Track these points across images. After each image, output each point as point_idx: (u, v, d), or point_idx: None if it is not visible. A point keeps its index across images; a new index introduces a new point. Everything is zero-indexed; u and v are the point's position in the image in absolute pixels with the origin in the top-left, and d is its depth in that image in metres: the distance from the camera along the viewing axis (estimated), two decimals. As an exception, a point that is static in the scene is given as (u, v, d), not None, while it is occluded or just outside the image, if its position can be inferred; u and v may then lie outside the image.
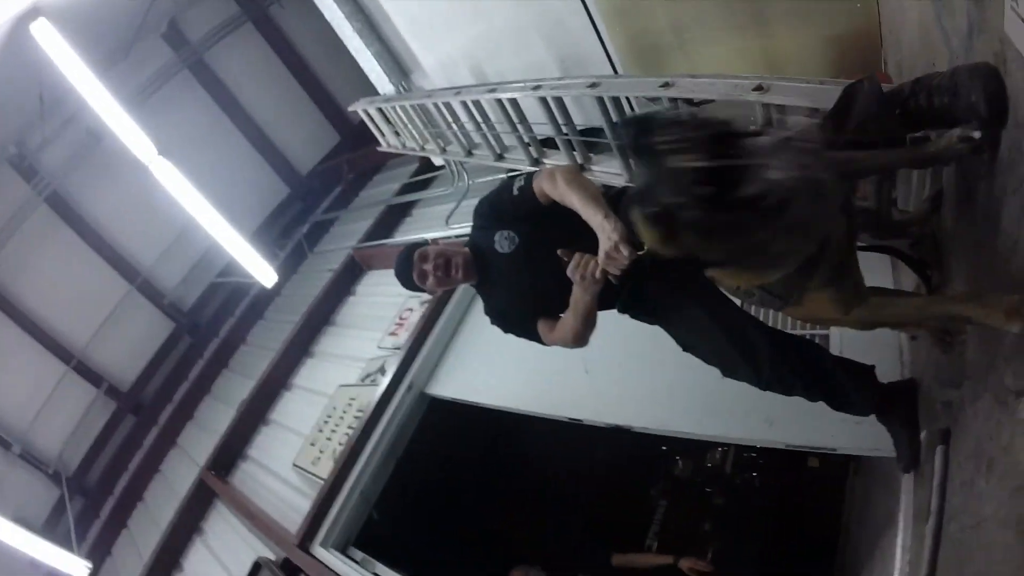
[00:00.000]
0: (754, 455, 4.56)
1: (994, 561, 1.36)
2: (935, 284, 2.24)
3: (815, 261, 1.72)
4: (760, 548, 4.20)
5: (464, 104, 4.15)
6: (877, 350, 2.64)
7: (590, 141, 3.60)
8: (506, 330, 2.54)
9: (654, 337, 2.41)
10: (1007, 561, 1.30)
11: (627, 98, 3.21)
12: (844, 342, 2.93)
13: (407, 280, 2.52)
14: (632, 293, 2.23)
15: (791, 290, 1.85)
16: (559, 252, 1.98)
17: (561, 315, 2.28)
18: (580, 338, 2.25)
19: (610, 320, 2.37)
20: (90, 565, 6.26)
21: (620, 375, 3.48)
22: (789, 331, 2.71)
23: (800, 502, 4.31)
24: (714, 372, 2.36)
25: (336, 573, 4.06)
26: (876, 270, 2.99)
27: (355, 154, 8.64)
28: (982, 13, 1.51)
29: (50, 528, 7.26)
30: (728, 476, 4.64)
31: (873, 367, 2.25)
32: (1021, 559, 1.25)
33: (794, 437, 2.74)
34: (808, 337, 2.99)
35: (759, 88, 2.39)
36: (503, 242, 2.36)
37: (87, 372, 7.89)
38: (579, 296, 2.10)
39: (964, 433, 1.75)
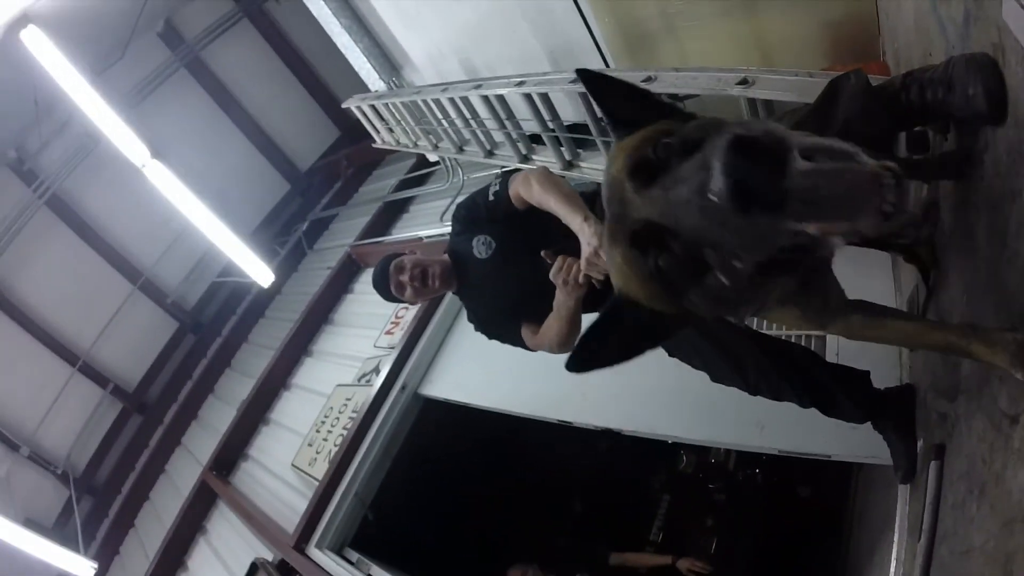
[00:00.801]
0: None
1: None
2: (932, 284, 2.14)
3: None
4: (763, 544, 4.16)
5: (452, 101, 4.07)
6: (874, 351, 2.55)
7: (577, 137, 3.51)
8: (490, 336, 2.49)
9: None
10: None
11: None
12: (840, 343, 2.83)
13: (385, 292, 2.49)
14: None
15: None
16: (543, 253, 1.94)
17: (544, 319, 2.20)
18: (565, 343, 2.18)
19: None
20: (95, 565, 6.35)
21: (610, 378, 3.30)
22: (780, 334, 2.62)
23: (804, 498, 4.25)
24: (704, 376, 2.29)
25: (330, 574, 4.04)
26: (876, 270, 2.90)
27: (353, 149, 8.57)
28: (979, 0, 1.39)
29: (60, 528, 7.32)
30: (731, 472, 4.58)
31: (867, 373, 2.16)
32: (1007, 599, 1.16)
33: (786, 443, 2.65)
34: (800, 340, 2.89)
35: (743, 82, 2.29)
36: (480, 247, 2.32)
37: (93, 373, 7.89)
38: (562, 301, 2.03)
39: (958, 451, 1.66)
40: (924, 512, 1.78)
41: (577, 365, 1.36)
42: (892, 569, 2.12)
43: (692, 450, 4.78)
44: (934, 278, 2.16)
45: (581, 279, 1.87)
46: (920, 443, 2.06)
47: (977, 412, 1.53)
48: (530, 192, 2.07)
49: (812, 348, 2.85)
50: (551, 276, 1.93)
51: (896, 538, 2.16)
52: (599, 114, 3.20)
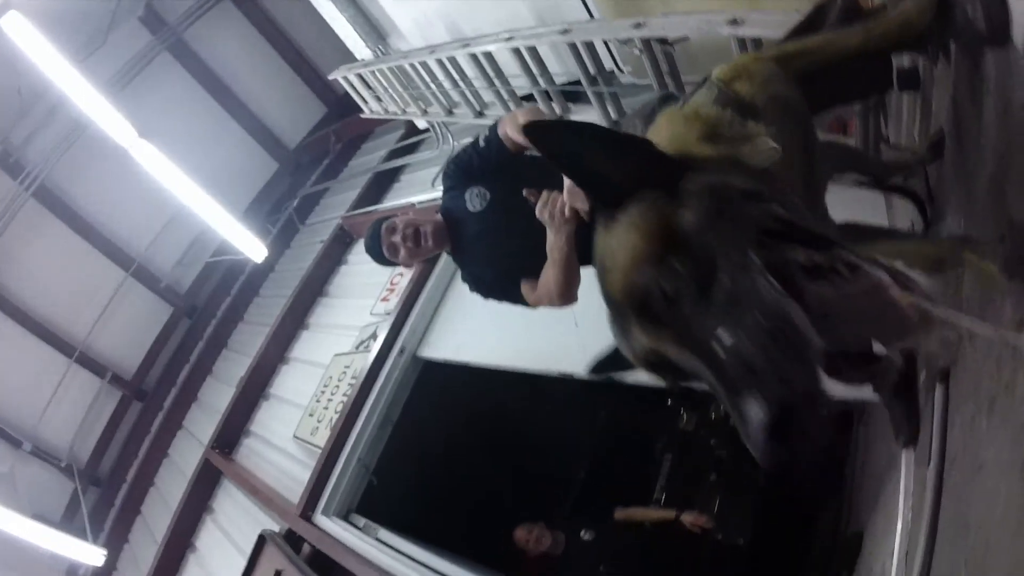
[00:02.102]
0: (759, 406, 4.49)
1: (997, 510, 1.26)
2: (929, 218, 2.13)
3: None
4: (766, 499, 4.17)
5: (440, 62, 4.03)
6: None
7: (569, 91, 3.47)
8: (486, 295, 2.40)
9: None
10: (1010, 510, 1.20)
11: (605, 42, 3.07)
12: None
13: (378, 255, 2.41)
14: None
15: None
16: (525, 192, 1.87)
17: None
18: (564, 293, 2.09)
19: (597, 270, 2.27)
20: (104, 552, 6.45)
21: (608, 329, 3.35)
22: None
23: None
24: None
25: (338, 540, 4.05)
26: (869, 210, 2.88)
27: (342, 124, 8.51)
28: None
29: (68, 521, 7.30)
30: (732, 428, 4.58)
31: None
32: (1026, 505, 1.15)
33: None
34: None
35: (734, 22, 2.26)
36: (474, 200, 2.23)
37: (90, 363, 7.82)
38: (553, 241, 1.95)
39: (963, 372, 1.65)
40: (932, 438, 1.77)
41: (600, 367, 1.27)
42: (901, 503, 2.11)
43: (693, 408, 4.79)
44: (930, 211, 2.14)
45: (567, 212, 1.81)
46: (923, 375, 2.05)
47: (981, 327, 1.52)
48: (517, 130, 2.01)
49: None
50: (537, 213, 1.86)
51: (903, 472, 2.15)
52: (589, 66, 3.18)
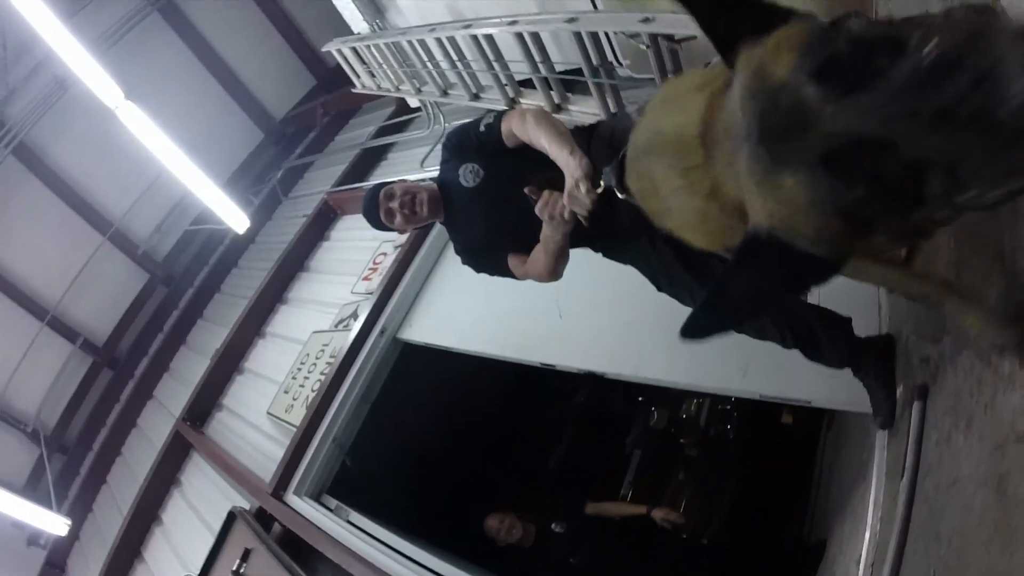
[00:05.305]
0: (728, 407, 4.55)
1: (971, 522, 1.29)
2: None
3: None
4: (732, 499, 4.22)
5: (439, 41, 4.00)
6: (855, 300, 2.57)
7: (568, 80, 3.47)
8: (477, 269, 2.47)
9: (629, 279, 2.34)
10: (984, 523, 1.23)
11: (605, 34, 3.06)
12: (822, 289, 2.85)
13: (375, 220, 2.45)
14: (600, 231, 2.13)
15: None
16: (526, 190, 1.95)
17: (530, 249, 2.21)
18: (552, 273, 2.20)
19: (584, 263, 2.30)
20: (69, 521, 6.39)
21: (594, 320, 3.39)
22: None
23: (773, 455, 4.31)
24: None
25: (309, 520, 4.02)
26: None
27: (330, 97, 8.41)
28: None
29: (32, 487, 7.22)
30: (703, 428, 4.63)
31: (849, 319, 2.17)
32: (999, 520, 1.18)
33: (768, 388, 2.66)
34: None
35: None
36: (468, 176, 2.29)
37: (62, 327, 7.74)
38: (548, 235, 2.05)
39: (943, 389, 1.68)
40: (907, 451, 1.79)
41: (697, 331, 1.23)
42: (870, 512, 2.14)
43: (664, 405, 4.83)
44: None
45: (567, 215, 1.88)
46: (900, 389, 2.08)
47: (964, 349, 1.54)
48: (523, 127, 2.06)
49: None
50: (536, 211, 1.94)
51: (874, 482, 2.18)
52: (593, 58, 3.17)
